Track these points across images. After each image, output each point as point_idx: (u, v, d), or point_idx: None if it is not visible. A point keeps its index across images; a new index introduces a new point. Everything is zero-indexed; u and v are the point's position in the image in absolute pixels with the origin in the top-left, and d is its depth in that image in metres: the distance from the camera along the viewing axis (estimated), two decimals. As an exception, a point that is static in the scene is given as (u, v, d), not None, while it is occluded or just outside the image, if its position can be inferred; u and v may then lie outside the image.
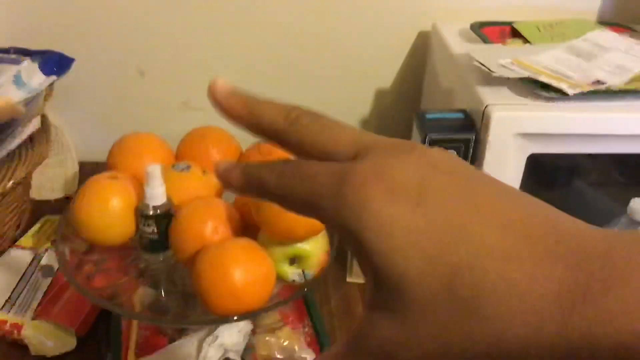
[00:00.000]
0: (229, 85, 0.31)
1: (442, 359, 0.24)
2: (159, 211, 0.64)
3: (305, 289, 0.65)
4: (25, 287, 0.72)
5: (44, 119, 0.85)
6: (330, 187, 0.25)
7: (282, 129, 0.29)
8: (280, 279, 0.64)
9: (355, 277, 0.81)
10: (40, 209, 0.91)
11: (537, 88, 0.68)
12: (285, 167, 0.28)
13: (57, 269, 0.74)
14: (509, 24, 0.87)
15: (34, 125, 0.79)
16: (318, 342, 0.69)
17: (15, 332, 0.67)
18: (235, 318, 0.60)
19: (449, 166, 0.25)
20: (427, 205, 0.24)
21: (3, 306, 0.69)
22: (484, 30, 0.84)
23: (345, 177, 0.25)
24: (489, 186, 0.25)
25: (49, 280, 0.73)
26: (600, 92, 0.68)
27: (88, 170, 0.69)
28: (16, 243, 0.81)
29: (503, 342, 0.23)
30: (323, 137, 0.28)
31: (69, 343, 0.68)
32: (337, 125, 0.29)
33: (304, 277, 0.63)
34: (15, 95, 0.75)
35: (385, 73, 1.01)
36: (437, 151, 0.26)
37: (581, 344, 0.21)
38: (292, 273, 0.63)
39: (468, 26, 0.86)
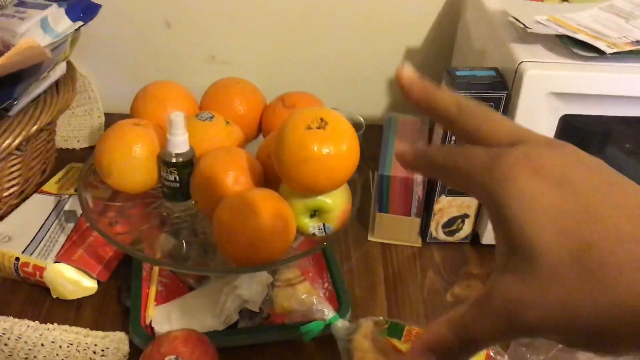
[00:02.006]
0: (413, 74, 0.35)
1: (563, 323, 0.26)
2: (181, 159, 0.64)
3: (325, 243, 0.65)
4: (48, 231, 0.73)
5: (70, 66, 0.85)
6: (486, 163, 0.30)
7: (454, 115, 0.33)
8: (300, 231, 0.63)
9: (377, 236, 0.80)
10: (65, 157, 0.92)
11: (573, 46, 0.66)
12: (451, 148, 0.33)
13: (81, 215, 0.75)
14: (548, -19, 0.84)
15: (60, 70, 0.79)
16: (337, 298, 0.69)
17: (38, 274, 0.68)
18: (253, 268, 0.60)
19: (592, 163, 0.29)
20: (567, 189, 0.27)
21: (26, 248, 0.70)
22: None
23: (499, 157, 0.29)
24: (625, 183, 0.28)
25: (72, 225, 0.74)
26: (638, 53, 0.65)
27: (114, 121, 0.69)
28: (41, 188, 0.82)
29: (627, 310, 0.25)
30: (486, 125, 0.32)
31: (90, 288, 0.69)
32: (498, 116, 0.33)
33: (324, 230, 0.63)
34: (42, 40, 0.75)
35: (416, 31, 0.99)
36: (584, 152, 0.30)
37: None
38: (313, 226, 0.62)
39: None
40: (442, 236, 0.79)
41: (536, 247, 0.27)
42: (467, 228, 0.78)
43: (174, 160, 0.64)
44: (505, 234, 0.28)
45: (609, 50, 0.64)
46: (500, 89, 0.67)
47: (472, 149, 0.32)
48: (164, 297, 0.67)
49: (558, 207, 0.27)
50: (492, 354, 0.58)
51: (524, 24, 0.67)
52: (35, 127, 0.73)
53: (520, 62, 0.65)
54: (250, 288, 0.65)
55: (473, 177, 0.30)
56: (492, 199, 0.29)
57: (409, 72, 0.35)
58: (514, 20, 0.69)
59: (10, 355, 0.62)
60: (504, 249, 0.29)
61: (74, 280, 0.68)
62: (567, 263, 0.26)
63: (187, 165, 0.64)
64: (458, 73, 0.70)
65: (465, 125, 0.33)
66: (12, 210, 0.78)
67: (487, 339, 0.29)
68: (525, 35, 0.69)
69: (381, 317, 0.63)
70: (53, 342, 0.64)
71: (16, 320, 0.66)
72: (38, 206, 0.78)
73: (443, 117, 0.34)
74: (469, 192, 0.32)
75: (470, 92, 0.67)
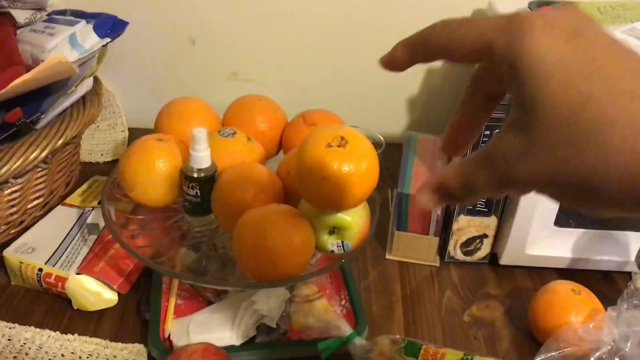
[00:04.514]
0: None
1: (553, 176, 0.28)
2: (202, 174, 0.65)
3: (343, 260, 0.65)
4: (71, 242, 0.74)
5: (97, 81, 0.86)
6: (499, 24, 0.30)
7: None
8: (319, 248, 0.64)
9: (395, 254, 0.80)
10: (89, 171, 0.93)
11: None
12: (456, 19, 0.33)
13: (103, 227, 0.76)
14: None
15: (87, 85, 0.81)
16: (354, 315, 0.69)
17: (60, 285, 0.69)
18: (271, 283, 0.60)
19: (602, 26, 0.30)
20: (578, 43, 0.28)
21: (49, 259, 0.71)
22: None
23: (512, 16, 0.29)
24: (631, 48, 0.29)
25: (95, 237, 0.75)
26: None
27: (137, 135, 0.71)
28: (65, 200, 0.83)
29: (613, 166, 0.26)
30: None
31: (110, 299, 0.70)
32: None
33: (343, 247, 0.63)
34: (70, 56, 0.77)
35: (437, 51, 1.00)
36: (588, 15, 0.30)
37: None
38: (331, 243, 0.63)
39: (526, 5, 0.84)
40: (460, 256, 0.79)
41: (538, 99, 0.28)
42: (485, 248, 0.78)
43: (195, 175, 0.65)
44: (514, 88, 0.29)
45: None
46: (521, 110, 0.67)
47: (481, 18, 0.31)
48: (183, 311, 0.68)
49: (567, 59, 0.27)
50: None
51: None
52: (61, 141, 0.75)
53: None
54: (268, 303, 0.66)
55: (487, 39, 0.30)
56: (507, 55, 0.29)
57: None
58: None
59: (31, 364, 0.63)
60: (514, 104, 0.29)
61: (95, 292, 0.69)
62: (564, 117, 0.27)
63: (209, 180, 0.65)
64: (478, 93, 0.70)
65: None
66: (36, 222, 0.79)
67: (484, 188, 0.31)
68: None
69: (398, 336, 0.63)
70: (73, 352, 0.65)
71: (37, 330, 0.67)
72: (61, 218, 0.79)
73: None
74: (484, 55, 0.31)
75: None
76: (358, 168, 0.56)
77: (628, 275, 0.78)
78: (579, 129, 0.26)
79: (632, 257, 0.77)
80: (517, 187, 0.30)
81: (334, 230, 0.63)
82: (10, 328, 0.67)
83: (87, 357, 0.64)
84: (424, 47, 0.34)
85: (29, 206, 0.80)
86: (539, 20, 0.29)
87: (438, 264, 0.80)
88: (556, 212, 0.74)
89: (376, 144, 0.78)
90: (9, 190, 0.75)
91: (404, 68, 0.36)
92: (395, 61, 0.36)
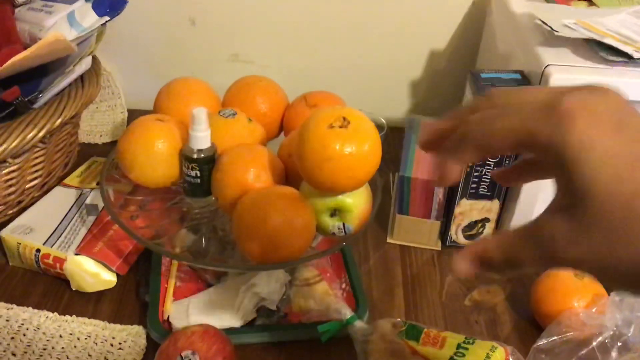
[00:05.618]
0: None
1: (603, 264, 0.29)
2: (202, 155, 0.64)
3: (344, 243, 0.64)
4: (69, 223, 0.73)
5: (95, 61, 0.85)
6: (540, 113, 0.30)
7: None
8: (320, 231, 0.63)
9: (396, 238, 0.79)
10: (88, 152, 0.92)
11: (601, 50, 0.65)
12: (491, 110, 0.33)
13: (102, 208, 0.75)
14: (575, -15, 0.83)
15: (85, 64, 0.80)
16: (354, 298, 0.68)
17: (58, 266, 0.68)
18: (271, 266, 0.59)
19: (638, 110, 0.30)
20: (624, 135, 0.28)
21: (47, 240, 0.70)
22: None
23: (554, 104, 0.29)
24: None
25: (93, 218, 0.74)
26: (669, 58, 0.64)
27: (137, 117, 0.69)
28: (63, 181, 0.82)
29: None
30: (524, 95, 0.33)
31: (109, 281, 0.70)
32: (529, 88, 0.34)
33: (344, 230, 0.62)
34: (69, 34, 0.76)
35: (441, 33, 0.99)
36: (624, 97, 0.31)
37: None
38: (333, 225, 0.62)
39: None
40: (462, 240, 0.78)
41: (589, 190, 0.28)
42: (487, 232, 0.78)
43: (195, 156, 0.64)
44: (562, 176, 0.30)
45: (637, 55, 0.63)
46: (526, 92, 0.66)
47: (518, 103, 0.32)
48: (182, 293, 0.68)
49: (615, 152, 0.28)
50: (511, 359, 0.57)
51: (551, 27, 0.67)
52: (59, 120, 0.74)
53: (547, 66, 0.64)
54: (268, 286, 0.65)
55: (528, 128, 0.30)
56: (552, 145, 0.29)
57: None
58: (541, 23, 0.68)
59: (28, 345, 0.63)
60: (561, 191, 0.30)
61: (93, 273, 0.69)
62: (617, 208, 0.28)
63: (209, 161, 0.64)
64: (483, 76, 0.69)
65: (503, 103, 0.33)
66: (34, 202, 0.78)
67: (528, 264, 0.32)
68: (552, 39, 0.68)
69: (399, 319, 0.62)
70: (71, 334, 0.64)
71: (35, 311, 0.66)
72: (60, 199, 0.78)
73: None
74: (524, 142, 0.31)
75: (494, 95, 0.66)
76: (360, 149, 0.55)
77: (631, 261, 0.77)
78: (633, 222, 0.27)
79: (635, 243, 0.76)
80: (564, 267, 0.31)
81: (335, 212, 0.62)
82: (8, 309, 0.66)
83: (86, 339, 0.64)
84: (464, 150, 0.34)
85: (27, 186, 0.79)
86: (583, 111, 0.29)
87: (439, 248, 0.79)
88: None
89: (378, 127, 0.77)
90: (7, 170, 0.74)
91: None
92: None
